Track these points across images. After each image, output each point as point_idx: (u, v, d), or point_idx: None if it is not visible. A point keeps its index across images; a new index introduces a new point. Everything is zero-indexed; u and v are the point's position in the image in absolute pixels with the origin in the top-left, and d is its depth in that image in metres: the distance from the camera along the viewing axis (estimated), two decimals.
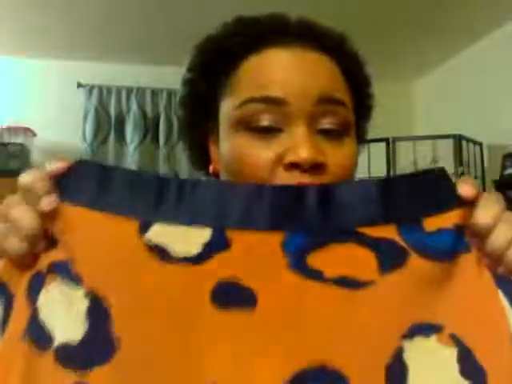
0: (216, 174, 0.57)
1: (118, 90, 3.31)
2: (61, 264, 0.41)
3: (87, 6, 2.59)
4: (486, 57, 2.89)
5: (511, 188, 2.37)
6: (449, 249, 0.41)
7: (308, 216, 0.41)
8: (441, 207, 0.42)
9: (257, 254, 0.40)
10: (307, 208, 0.41)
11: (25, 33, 2.90)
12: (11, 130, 2.97)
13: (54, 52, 3.17)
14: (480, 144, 2.76)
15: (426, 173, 0.43)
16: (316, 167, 0.48)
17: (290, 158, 0.48)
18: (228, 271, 0.40)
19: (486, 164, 2.79)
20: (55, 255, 0.41)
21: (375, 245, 0.41)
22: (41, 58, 3.22)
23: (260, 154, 0.49)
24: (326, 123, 0.50)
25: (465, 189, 0.41)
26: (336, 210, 0.41)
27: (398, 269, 0.40)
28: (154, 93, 3.33)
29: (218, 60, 0.54)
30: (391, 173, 2.66)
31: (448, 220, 0.41)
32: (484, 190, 2.73)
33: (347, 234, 0.41)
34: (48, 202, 0.40)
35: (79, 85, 3.25)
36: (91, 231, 0.41)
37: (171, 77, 3.27)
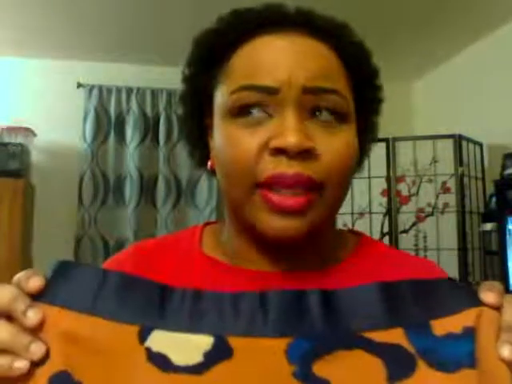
0: (213, 171, 0.57)
1: (118, 90, 3.30)
2: (60, 376, 0.39)
3: (87, 5, 2.58)
4: (486, 57, 2.89)
5: (511, 188, 2.37)
6: (456, 360, 0.39)
7: (312, 322, 0.40)
8: (449, 310, 0.41)
9: (260, 362, 0.39)
10: (311, 314, 0.40)
11: (25, 33, 2.90)
12: (11, 130, 2.97)
13: (53, 52, 3.17)
14: (480, 144, 2.76)
15: (433, 280, 0.42)
16: (304, 153, 0.46)
17: (275, 143, 0.47)
18: (231, 382, 0.38)
19: (486, 164, 2.79)
20: (51, 367, 0.39)
21: (383, 351, 0.39)
22: (41, 57, 3.22)
23: (247, 141, 0.48)
24: (318, 110, 0.49)
25: (490, 296, 0.40)
26: (340, 315, 0.40)
27: (407, 379, 0.39)
28: (154, 93, 3.32)
29: (213, 52, 0.53)
30: (391, 173, 2.66)
31: (458, 322, 0.40)
32: (484, 190, 2.73)
33: (353, 339, 0.40)
34: (32, 320, 0.39)
35: (79, 85, 3.25)
36: (89, 337, 0.39)
37: (171, 77, 3.26)
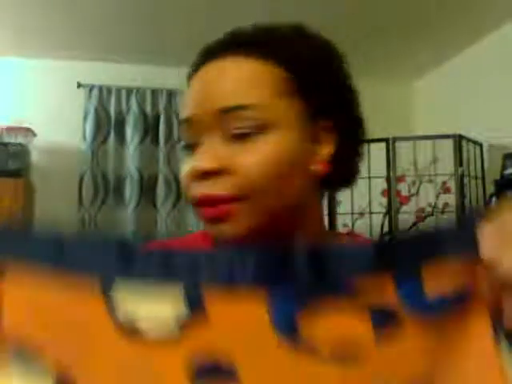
0: None
1: (118, 90, 3.30)
2: (18, 350, 0.36)
3: (88, 6, 2.59)
4: (486, 57, 2.89)
5: (511, 188, 2.37)
6: (446, 309, 0.37)
7: (294, 270, 0.37)
8: (444, 252, 0.37)
9: (238, 320, 0.36)
10: (295, 262, 0.37)
11: (25, 33, 2.90)
12: (11, 130, 2.97)
13: (54, 52, 3.17)
14: (480, 144, 2.76)
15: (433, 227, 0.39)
16: (214, 174, 0.51)
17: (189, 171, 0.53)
18: (206, 345, 0.36)
19: (486, 164, 2.79)
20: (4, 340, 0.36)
21: (369, 304, 0.37)
22: (41, 57, 3.22)
23: (184, 169, 0.54)
24: (234, 129, 0.52)
25: (488, 248, 0.37)
26: (325, 263, 0.37)
27: (392, 329, 0.37)
28: (154, 93, 3.32)
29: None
30: (391, 173, 2.66)
31: (450, 280, 0.37)
32: (484, 190, 2.73)
33: (340, 286, 0.37)
34: None
35: (79, 85, 3.25)
36: (45, 292, 0.36)
37: (171, 77, 3.27)
